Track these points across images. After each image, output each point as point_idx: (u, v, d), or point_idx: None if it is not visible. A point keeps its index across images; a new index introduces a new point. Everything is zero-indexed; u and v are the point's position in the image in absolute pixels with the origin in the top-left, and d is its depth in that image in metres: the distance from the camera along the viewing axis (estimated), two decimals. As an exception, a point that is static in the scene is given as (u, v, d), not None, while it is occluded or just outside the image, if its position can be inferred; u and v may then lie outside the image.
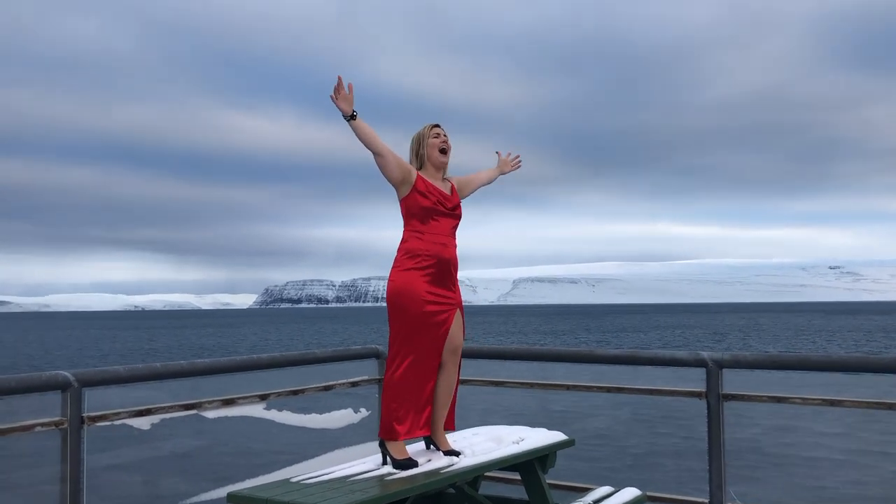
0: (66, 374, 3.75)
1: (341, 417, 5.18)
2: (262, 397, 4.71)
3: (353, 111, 3.64)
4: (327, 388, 5.21)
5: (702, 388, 4.59)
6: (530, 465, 4.01)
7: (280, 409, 4.94)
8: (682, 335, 64.05)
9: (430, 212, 3.81)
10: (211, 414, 4.46)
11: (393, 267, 3.79)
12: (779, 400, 4.55)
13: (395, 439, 3.63)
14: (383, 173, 3.77)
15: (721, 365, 4.55)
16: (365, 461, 3.64)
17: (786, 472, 9.39)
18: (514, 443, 3.97)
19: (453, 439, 4.03)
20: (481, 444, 3.92)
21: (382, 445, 3.68)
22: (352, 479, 3.33)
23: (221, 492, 3.75)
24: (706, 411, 4.56)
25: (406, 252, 3.80)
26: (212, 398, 4.44)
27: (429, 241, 3.78)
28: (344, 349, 5.43)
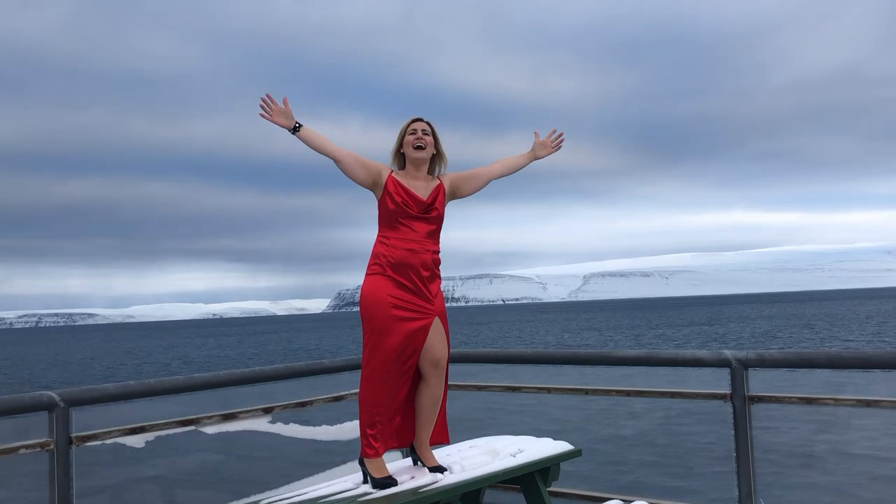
0: (50, 394, 3.71)
1: (353, 429, 5.02)
2: (267, 410, 4.59)
3: (297, 123, 3.53)
4: (337, 399, 5.07)
5: (727, 389, 4.28)
6: (530, 477, 3.77)
7: (287, 423, 4.81)
8: (760, 327, 61.96)
9: (395, 214, 3.61)
10: (211, 430, 4.36)
11: (364, 274, 3.62)
12: (809, 401, 4.18)
13: (372, 457, 3.45)
14: (350, 178, 3.62)
15: (746, 364, 4.23)
16: (345, 480, 3.47)
17: (819, 478, 8.80)
18: (511, 455, 3.73)
19: (447, 453, 3.83)
20: (474, 457, 3.69)
21: (362, 464, 3.51)
22: (324, 500, 3.15)
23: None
24: (731, 415, 4.24)
25: (372, 257, 3.64)
26: (211, 413, 4.34)
27: (395, 245, 3.59)
28: (354, 358, 5.28)
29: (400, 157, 3.76)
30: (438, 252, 3.70)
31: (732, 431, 4.23)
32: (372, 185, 3.65)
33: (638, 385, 4.80)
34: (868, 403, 4.00)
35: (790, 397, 4.22)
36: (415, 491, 3.28)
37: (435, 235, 3.70)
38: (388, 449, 3.58)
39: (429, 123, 3.77)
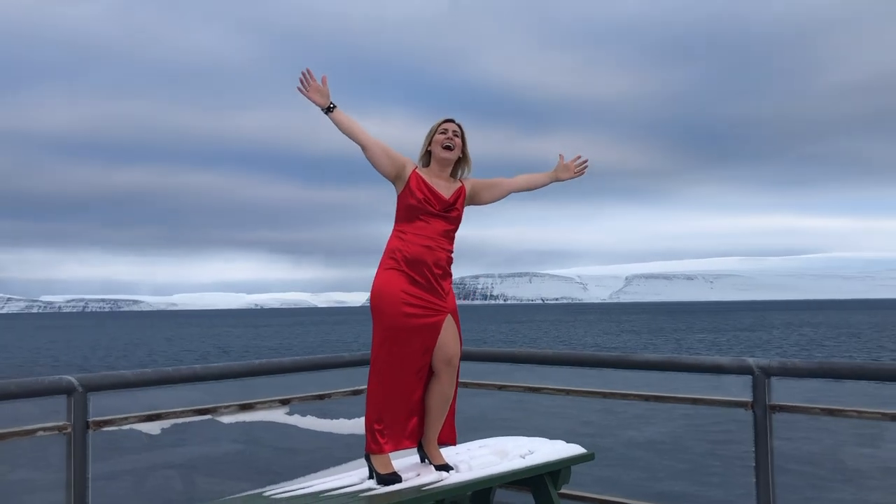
0: (69, 378, 3.77)
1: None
2: (284, 402, 4.62)
3: (332, 103, 3.57)
4: (356, 393, 5.08)
5: (748, 397, 4.18)
6: (540, 479, 3.73)
7: (304, 415, 4.83)
8: (805, 335, 60.63)
9: (416, 210, 3.61)
10: (227, 419, 4.40)
11: (377, 267, 3.62)
12: (832, 413, 4.07)
13: (378, 453, 3.45)
14: (374, 167, 3.64)
15: (768, 373, 4.13)
16: (351, 475, 3.48)
17: (840, 491, 8.54)
18: (520, 456, 3.70)
19: (455, 452, 3.81)
20: (483, 457, 3.66)
21: (368, 459, 3.51)
22: (326, 494, 3.16)
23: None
24: (752, 423, 4.15)
25: (387, 251, 3.64)
26: (228, 402, 4.38)
27: (411, 241, 3.59)
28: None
29: (426, 155, 3.78)
30: (452, 252, 3.70)
31: (752, 440, 4.14)
32: (395, 178, 3.67)
33: (659, 390, 4.73)
34: (894, 417, 3.87)
35: (812, 407, 4.10)
36: (419, 488, 3.27)
37: (451, 235, 3.70)
38: (400, 448, 3.58)
39: (459, 126, 3.78)
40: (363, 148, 3.60)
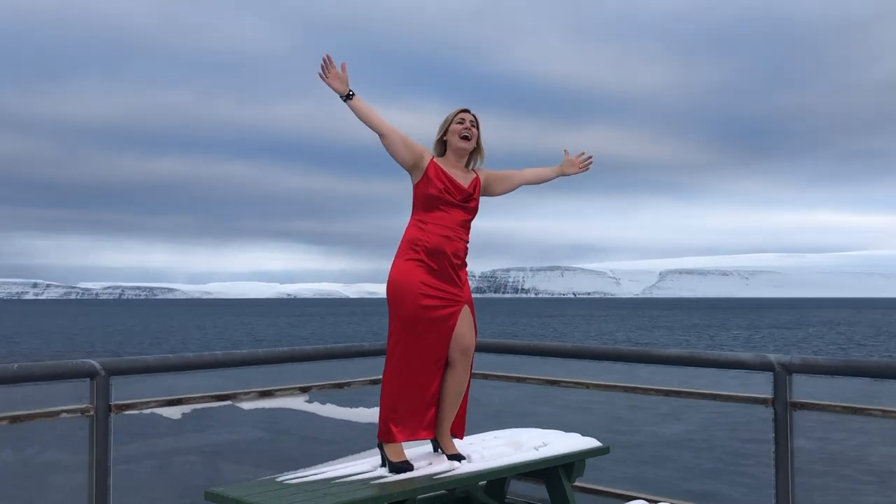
0: (92, 362, 3.84)
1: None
2: (304, 389, 4.66)
3: (350, 91, 3.55)
4: (374, 383, 5.11)
5: (769, 393, 4.12)
6: (554, 472, 3.72)
7: (323, 403, 4.88)
8: (843, 333, 59.55)
9: (436, 200, 3.61)
10: (247, 405, 4.46)
11: (394, 257, 3.63)
12: (855, 411, 4.00)
13: (391, 441, 3.47)
14: (392, 156, 3.63)
15: (790, 369, 4.06)
16: (363, 462, 3.50)
17: (865, 493, 8.35)
18: (534, 448, 3.69)
19: (469, 442, 3.81)
20: (496, 448, 3.67)
21: (381, 447, 3.53)
22: (338, 480, 3.19)
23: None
24: (772, 420, 4.09)
25: (406, 241, 3.63)
26: (248, 389, 4.43)
27: (430, 231, 3.59)
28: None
29: (440, 145, 3.77)
30: (468, 242, 3.71)
31: (773, 438, 4.09)
32: (412, 167, 3.66)
33: (679, 385, 4.69)
34: (921, 417, 3.79)
35: (834, 406, 4.03)
36: (430, 477, 3.29)
37: (468, 225, 3.71)
38: (416, 438, 3.60)
39: (475, 116, 3.78)
40: (381, 136, 3.60)
